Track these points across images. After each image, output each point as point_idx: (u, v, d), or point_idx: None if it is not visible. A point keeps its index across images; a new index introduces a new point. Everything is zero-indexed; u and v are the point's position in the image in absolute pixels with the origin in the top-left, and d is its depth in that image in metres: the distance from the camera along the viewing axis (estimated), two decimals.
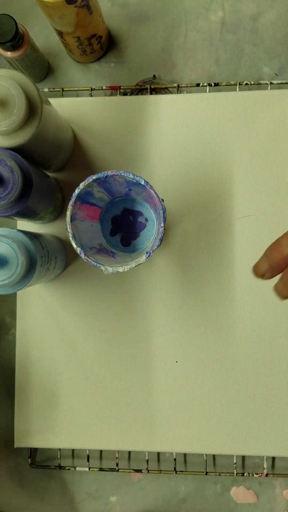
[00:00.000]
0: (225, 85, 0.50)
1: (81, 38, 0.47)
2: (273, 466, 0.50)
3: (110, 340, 0.50)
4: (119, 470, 0.50)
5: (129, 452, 0.51)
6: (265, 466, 0.49)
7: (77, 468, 0.50)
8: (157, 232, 0.40)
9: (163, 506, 0.50)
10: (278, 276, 0.33)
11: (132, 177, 0.39)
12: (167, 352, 0.49)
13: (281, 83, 0.50)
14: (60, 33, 0.47)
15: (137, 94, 0.52)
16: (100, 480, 0.51)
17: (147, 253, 0.39)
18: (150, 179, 0.50)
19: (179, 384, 0.49)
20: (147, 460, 0.49)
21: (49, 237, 0.47)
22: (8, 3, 0.54)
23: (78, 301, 0.50)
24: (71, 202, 0.40)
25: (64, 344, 0.50)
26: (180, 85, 0.51)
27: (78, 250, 0.39)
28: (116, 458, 0.50)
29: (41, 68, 0.51)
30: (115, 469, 0.50)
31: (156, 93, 0.52)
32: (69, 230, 0.40)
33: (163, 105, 0.50)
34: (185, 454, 0.51)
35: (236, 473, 0.49)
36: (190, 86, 0.51)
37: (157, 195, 0.39)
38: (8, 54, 0.47)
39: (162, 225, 0.39)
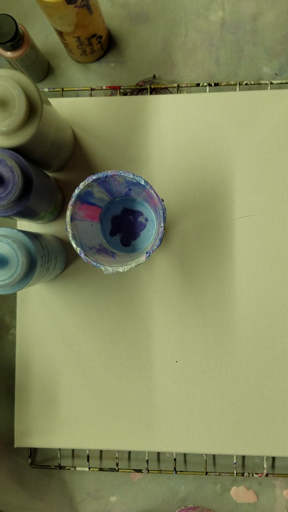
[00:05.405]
0: (225, 85, 0.50)
1: (81, 38, 0.47)
2: (273, 466, 0.50)
3: (110, 340, 0.50)
4: (119, 470, 0.50)
5: (129, 452, 0.51)
6: (265, 466, 0.49)
7: (77, 468, 0.50)
8: (157, 232, 0.40)
9: (163, 506, 0.50)
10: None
11: (132, 177, 0.39)
12: (167, 352, 0.49)
13: (281, 83, 0.50)
14: (60, 33, 0.47)
15: (137, 94, 0.52)
16: (100, 480, 0.51)
17: (147, 253, 0.39)
18: (150, 179, 0.50)
19: (179, 384, 0.49)
20: (147, 460, 0.49)
21: (49, 237, 0.47)
22: (8, 3, 0.54)
23: (78, 301, 0.50)
24: (71, 202, 0.40)
25: (64, 344, 0.50)
26: (180, 85, 0.51)
27: (78, 250, 0.39)
28: (116, 458, 0.50)
29: (41, 68, 0.51)
30: (115, 469, 0.50)
31: (156, 93, 0.52)
32: (69, 230, 0.40)
33: (163, 105, 0.50)
34: (185, 454, 0.51)
35: (236, 473, 0.49)
36: (190, 86, 0.51)
37: (157, 195, 0.39)
38: (8, 54, 0.47)
39: (162, 225, 0.39)
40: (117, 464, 0.50)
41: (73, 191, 0.40)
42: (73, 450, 0.51)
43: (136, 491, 0.51)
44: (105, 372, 0.49)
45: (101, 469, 0.50)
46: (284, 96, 0.49)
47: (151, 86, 0.51)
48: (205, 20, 0.52)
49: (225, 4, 0.52)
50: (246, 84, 0.50)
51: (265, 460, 0.49)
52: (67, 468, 0.50)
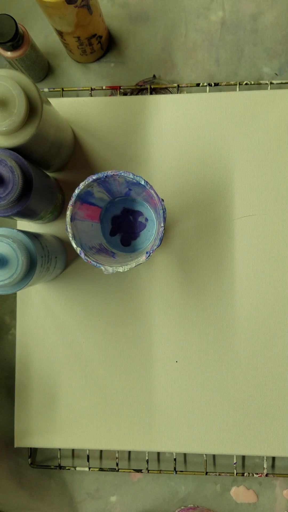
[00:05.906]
0: (225, 85, 0.50)
1: (81, 38, 0.47)
2: (273, 466, 0.50)
3: (110, 340, 0.50)
4: (119, 470, 0.50)
5: (129, 452, 0.51)
6: (265, 466, 0.49)
7: (77, 468, 0.50)
8: (157, 232, 0.40)
9: (163, 506, 0.50)
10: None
11: (132, 177, 0.39)
12: (167, 352, 0.49)
13: (281, 83, 0.50)
14: (60, 33, 0.47)
15: (137, 94, 0.52)
16: (100, 480, 0.51)
17: (147, 253, 0.39)
18: (150, 179, 0.50)
19: (179, 384, 0.49)
20: (147, 460, 0.49)
21: (49, 237, 0.47)
22: (8, 3, 0.54)
23: (78, 301, 0.50)
24: (71, 202, 0.40)
25: (64, 344, 0.50)
26: (180, 85, 0.51)
27: (78, 250, 0.40)
28: (116, 458, 0.50)
29: (41, 68, 0.51)
30: (115, 469, 0.50)
31: (156, 93, 0.52)
32: (69, 230, 0.40)
33: (163, 105, 0.50)
34: (185, 454, 0.51)
35: (236, 473, 0.49)
36: (190, 86, 0.51)
37: (157, 195, 0.39)
38: (8, 54, 0.47)
39: (162, 225, 0.39)
40: (117, 464, 0.50)
41: (73, 191, 0.40)
42: (73, 450, 0.51)
43: (136, 491, 0.51)
44: (105, 372, 0.49)
45: (101, 469, 0.50)
46: (284, 96, 0.49)
47: (151, 86, 0.51)
48: (205, 20, 0.52)
49: (225, 4, 0.52)
50: (246, 84, 0.50)
51: (265, 460, 0.49)
52: (67, 468, 0.50)
